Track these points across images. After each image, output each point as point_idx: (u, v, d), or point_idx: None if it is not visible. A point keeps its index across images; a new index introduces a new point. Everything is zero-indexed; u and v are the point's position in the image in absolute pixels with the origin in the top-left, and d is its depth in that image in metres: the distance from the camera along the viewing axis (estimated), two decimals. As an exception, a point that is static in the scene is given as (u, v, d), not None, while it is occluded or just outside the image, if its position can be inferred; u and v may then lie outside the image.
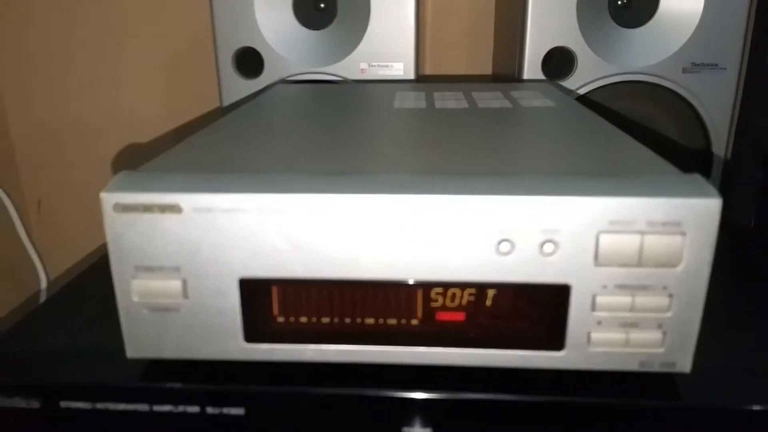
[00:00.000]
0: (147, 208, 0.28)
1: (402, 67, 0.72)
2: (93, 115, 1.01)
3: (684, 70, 0.73)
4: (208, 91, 0.86)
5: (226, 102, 0.73)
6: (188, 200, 0.28)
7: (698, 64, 0.74)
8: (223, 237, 0.28)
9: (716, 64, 0.74)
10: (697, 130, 0.74)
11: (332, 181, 0.28)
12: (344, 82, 0.72)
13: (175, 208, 0.28)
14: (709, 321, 0.29)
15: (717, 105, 0.75)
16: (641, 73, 0.74)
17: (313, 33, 0.73)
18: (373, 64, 0.72)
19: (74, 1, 0.96)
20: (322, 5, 0.73)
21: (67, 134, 1.02)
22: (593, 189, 0.27)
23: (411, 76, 0.72)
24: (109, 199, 0.28)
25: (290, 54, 0.73)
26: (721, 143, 0.74)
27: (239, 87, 0.72)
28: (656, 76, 0.73)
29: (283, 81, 0.71)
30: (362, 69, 0.72)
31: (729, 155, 0.76)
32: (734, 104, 0.75)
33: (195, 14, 0.93)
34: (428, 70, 0.96)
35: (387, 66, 0.72)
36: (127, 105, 1.00)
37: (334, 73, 0.72)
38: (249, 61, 0.72)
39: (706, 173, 0.74)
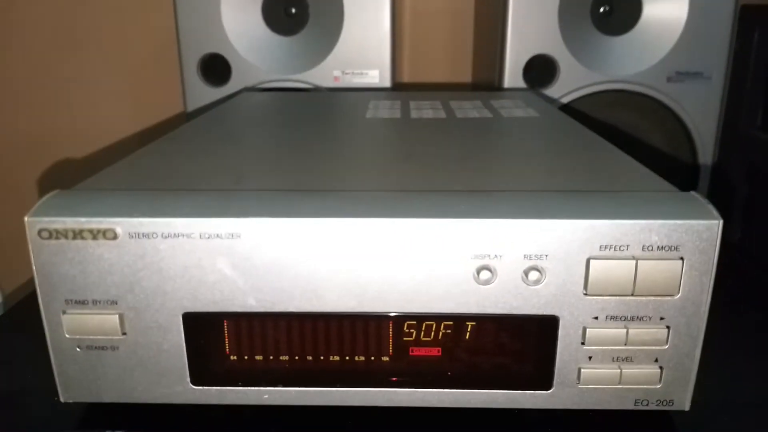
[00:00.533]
0: (77, 234, 0.24)
1: (378, 75, 0.69)
2: (52, 124, 0.96)
3: (668, 79, 0.72)
4: (176, 100, 0.83)
5: (192, 110, 0.69)
6: (124, 225, 0.24)
7: (683, 73, 0.72)
8: (164, 266, 0.25)
9: (701, 73, 0.72)
10: (683, 139, 0.72)
11: (290, 203, 0.25)
12: (316, 90, 0.69)
13: (109, 234, 0.24)
14: (706, 349, 0.26)
15: (702, 114, 0.73)
16: (625, 82, 0.72)
17: (283, 39, 0.70)
18: (347, 71, 0.69)
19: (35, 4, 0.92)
20: (293, 10, 0.70)
21: (21, 146, 0.97)
22: (582, 210, 0.24)
23: (387, 84, 0.69)
24: (33, 224, 0.24)
25: (259, 61, 0.69)
26: (707, 153, 0.72)
27: (205, 95, 0.69)
28: (640, 84, 0.72)
29: (248, 89, 0.68)
30: (336, 77, 0.69)
31: (715, 165, 0.74)
32: (720, 113, 0.74)
33: (161, 19, 0.89)
34: (406, 78, 0.94)
35: (362, 74, 0.69)
36: (90, 113, 0.96)
37: (306, 81, 0.69)
38: (215, 69, 0.69)
39: (693, 183, 0.72)
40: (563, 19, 0.69)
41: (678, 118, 0.73)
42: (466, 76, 0.93)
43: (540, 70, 0.70)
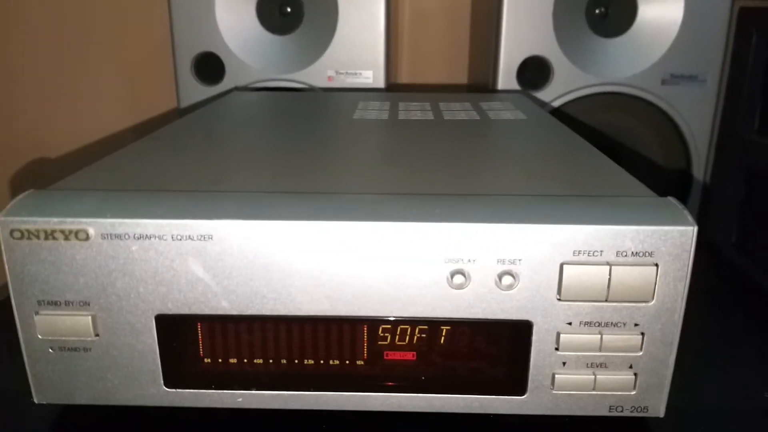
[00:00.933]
0: (49, 234, 0.24)
1: (371, 75, 0.69)
2: (47, 124, 0.97)
3: (663, 82, 0.71)
4: (171, 98, 0.83)
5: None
6: (96, 225, 0.24)
7: (677, 76, 0.72)
8: (137, 267, 0.25)
9: (696, 76, 0.72)
10: (677, 143, 0.72)
11: (263, 205, 0.25)
12: (308, 90, 0.68)
13: (81, 235, 0.24)
14: (687, 355, 0.26)
15: (697, 118, 0.73)
16: (619, 84, 0.71)
17: (277, 38, 0.70)
18: (341, 71, 0.69)
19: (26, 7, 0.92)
20: (288, 9, 0.70)
21: (14, 142, 0.97)
22: (555, 215, 0.24)
23: (381, 84, 0.69)
24: (6, 224, 0.24)
25: (253, 60, 0.69)
26: (701, 157, 0.72)
27: (199, 94, 0.69)
28: (635, 87, 0.71)
29: (239, 88, 0.68)
30: (329, 76, 0.68)
31: (710, 169, 0.74)
32: (714, 116, 0.73)
33: (157, 17, 0.89)
34: (406, 79, 0.94)
35: (355, 74, 0.69)
36: (86, 115, 0.96)
37: (300, 80, 0.69)
38: (209, 67, 0.69)
39: (687, 188, 0.71)
40: (558, 21, 0.68)
41: (672, 122, 0.72)
42: (463, 77, 0.93)
43: (534, 71, 0.70)
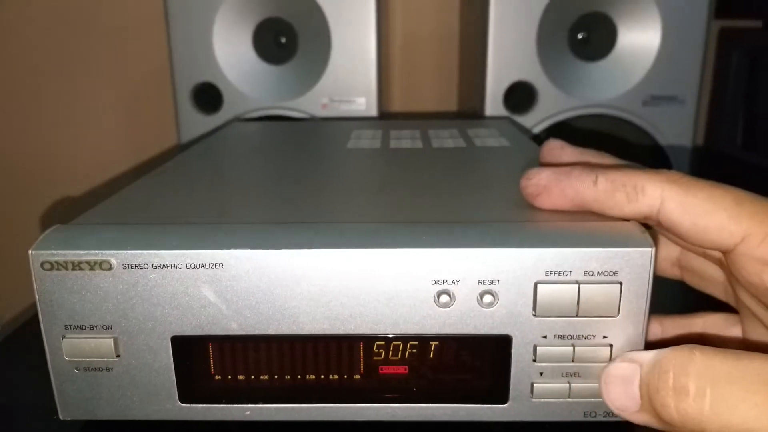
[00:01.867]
0: (76, 266, 0.27)
1: (364, 102, 0.72)
2: (46, 157, 0.99)
3: (644, 103, 0.75)
4: (170, 128, 0.86)
5: (185, 137, 0.72)
6: (118, 257, 0.27)
7: (658, 97, 0.75)
8: (154, 293, 0.27)
9: (675, 96, 0.75)
10: (659, 162, 0.75)
11: (267, 236, 0.28)
12: (304, 119, 0.72)
13: (105, 265, 0.27)
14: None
15: (677, 136, 0.76)
16: (602, 106, 0.75)
17: (273, 68, 0.73)
18: (335, 99, 0.72)
19: (26, 33, 0.95)
20: (283, 40, 0.73)
21: (14, 179, 1.00)
22: (529, 240, 0.27)
23: (374, 111, 0.72)
24: (37, 257, 0.27)
25: (250, 89, 0.72)
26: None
27: (198, 123, 0.72)
28: (617, 108, 0.74)
29: (239, 119, 0.71)
30: (324, 104, 0.72)
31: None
32: (693, 135, 0.76)
33: (155, 48, 0.92)
34: (397, 106, 0.97)
35: (349, 101, 0.72)
36: (85, 146, 0.99)
37: (295, 108, 0.72)
38: (208, 97, 0.72)
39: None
40: (542, 47, 0.72)
41: (654, 141, 0.75)
42: (452, 103, 0.96)
43: (520, 96, 0.73)
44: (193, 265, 0.27)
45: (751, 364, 0.21)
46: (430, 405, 0.29)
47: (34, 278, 0.27)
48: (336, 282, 0.27)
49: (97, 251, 0.27)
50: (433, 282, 0.27)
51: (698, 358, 0.22)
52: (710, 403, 0.21)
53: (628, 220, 0.28)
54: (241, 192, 0.36)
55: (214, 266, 0.27)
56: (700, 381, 0.21)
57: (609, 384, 0.25)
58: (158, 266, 0.27)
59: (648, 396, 0.23)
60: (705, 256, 0.30)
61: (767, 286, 0.24)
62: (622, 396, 0.25)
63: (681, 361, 0.22)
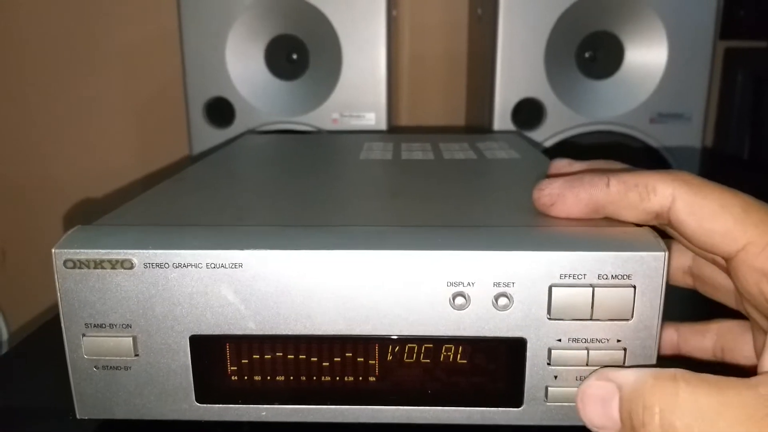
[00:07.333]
0: (98, 264, 0.27)
1: (374, 117, 0.73)
2: (60, 166, 1.00)
3: (651, 120, 0.75)
4: (181, 141, 0.87)
5: (196, 150, 0.73)
6: (140, 256, 0.27)
7: (665, 114, 0.75)
8: (174, 293, 0.28)
9: (682, 114, 0.75)
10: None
11: (286, 237, 0.28)
12: (315, 132, 0.72)
13: (126, 264, 0.27)
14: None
15: (684, 153, 0.76)
16: (609, 123, 0.75)
17: (285, 83, 0.74)
18: (345, 114, 0.73)
19: (39, 49, 0.97)
20: (295, 56, 0.74)
21: (31, 186, 1.01)
22: (544, 243, 0.27)
23: (383, 126, 0.73)
24: (60, 255, 0.28)
25: (262, 104, 0.73)
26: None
27: (210, 136, 0.73)
28: (624, 125, 0.75)
29: (251, 131, 0.72)
30: (334, 119, 0.73)
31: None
32: (700, 152, 0.77)
33: (167, 63, 0.94)
34: (405, 121, 0.98)
35: (359, 116, 0.73)
36: (97, 156, 1.00)
37: (306, 122, 0.73)
38: (220, 111, 0.73)
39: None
40: (549, 64, 0.73)
41: (661, 158, 0.76)
42: (460, 119, 0.97)
43: (528, 112, 0.74)
44: (212, 265, 0.27)
45: (736, 397, 0.21)
46: (445, 408, 0.29)
47: (56, 276, 0.28)
48: (352, 283, 0.28)
49: (119, 250, 0.27)
50: (449, 284, 0.28)
51: (683, 393, 0.22)
52: None
53: (640, 224, 0.28)
54: (259, 197, 0.36)
55: (233, 266, 0.27)
56: (687, 418, 0.21)
57: (585, 403, 0.25)
58: (178, 266, 0.27)
59: (631, 425, 0.23)
60: (714, 263, 0.30)
61: (765, 296, 0.24)
62: (600, 416, 0.24)
63: (666, 399, 0.22)
